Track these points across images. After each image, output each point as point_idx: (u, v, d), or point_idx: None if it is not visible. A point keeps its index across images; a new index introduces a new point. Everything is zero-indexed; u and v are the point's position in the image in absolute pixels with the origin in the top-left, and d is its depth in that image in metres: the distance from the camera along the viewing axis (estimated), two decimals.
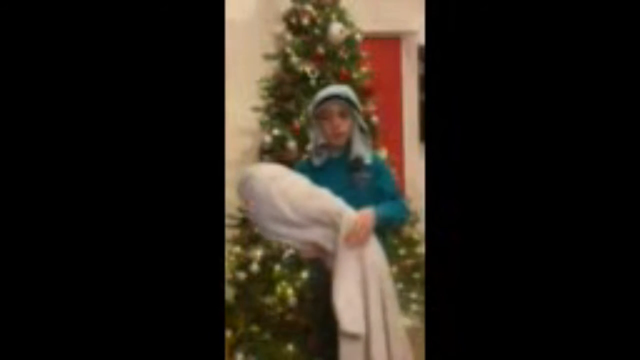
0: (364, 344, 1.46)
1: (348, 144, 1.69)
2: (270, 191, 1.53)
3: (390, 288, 1.54)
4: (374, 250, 1.54)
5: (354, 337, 1.44)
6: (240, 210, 2.55)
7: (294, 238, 1.55)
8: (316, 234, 1.53)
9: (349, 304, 1.44)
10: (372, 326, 1.46)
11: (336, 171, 1.66)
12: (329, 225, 1.51)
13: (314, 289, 1.68)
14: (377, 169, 1.69)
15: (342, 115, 1.65)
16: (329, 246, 1.52)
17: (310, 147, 1.74)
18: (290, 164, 2.03)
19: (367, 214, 1.53)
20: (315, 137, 1.70)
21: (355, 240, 1.49)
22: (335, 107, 1.64)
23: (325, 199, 1.55)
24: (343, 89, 1.69)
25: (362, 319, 1.45)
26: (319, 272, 1.59)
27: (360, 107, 1.72)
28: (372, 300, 1.47)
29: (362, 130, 1.69)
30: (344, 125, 1.65)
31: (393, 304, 1.53)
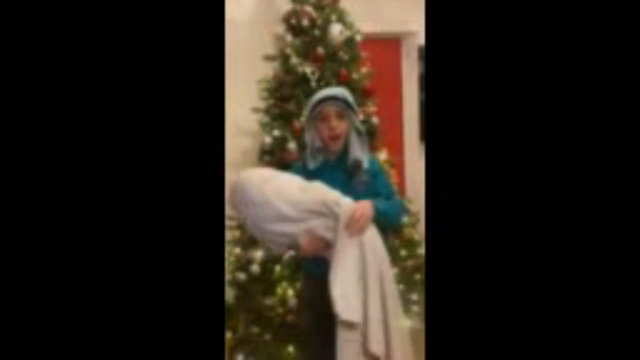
0: (362, 333, 1.45)
1: (345, 147, 1.68)
2: (265, 193, 1.53)
3: (390, 277, 1.54)
4: (373, 238, 1.54)
5: (350, 325, 1.44)
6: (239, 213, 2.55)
7: (295, 234, 1.54)
8: (316, 225, 1.53)
9: (345, 293, 1.44)
10: (371, 315, 1.45)
11: (332, 175, 1.65)
12: (328, 215, 1.52)
13: (314, 290, 1.67)
14: (374, 172, 1.69)
15: (339, 117, 1.64)
16: (329, 235, 1.52)
17: (306, 150, 1.73)
18: (290, 165, 2.03)
19: (366, 203, 1.54)
20: (311, 140, 1.69)
21: (356, 227, 1.49)
22: (332, 109, 1.64)
23: (320, 190, 1.56)
24: (340, 91, 1.68)
25: (360, 308, 1.45)
26: (321, 267, 1.58)
27: (358, 110, 1.71)
28: (371, 289, 1.47)
29: (359, 133, 1.68)
30: (340, 127, 1.65)
31: (393, 294, 1.53)
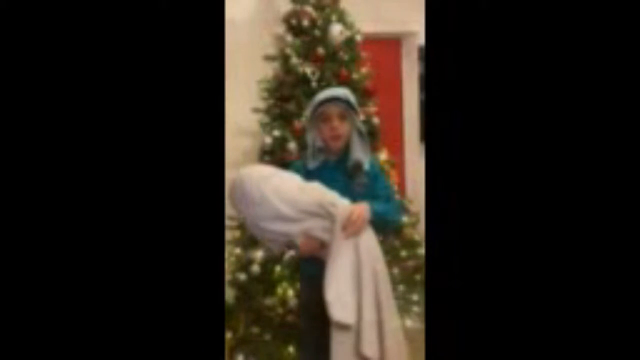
0: (356, 334, 1.45)
1: (345, 148, 1.68)
2: (264, 191, 1.53)
3: (385, 278, 1.54)
4: (368, 239, 1.54)
5: (344, 327, 1.44)
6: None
7: (292, 233, 1.54)
8: (312, 226, 1.53)
9: (339, 295, 1.44)
10: (364, 317, 1.45)
11: (331, 175, 1.65)
12: (325, 216, 1.52)
13: (310, 291, 1.67)
14: (374, 174, 1.69)
15: (341, 117, 1.64)
16: (325, 236, 1.52)
17: (307, 150, 1.73)
18: (290, 164, 2.03)
19: (363, 205, 1.55)
20: (312, 140, 1.69)
21: (352, 229, 1.50)
22: (334, 109, 1.64)
23: (318, 191, 1.56)
24: (342, 92, 1.68)
25: (354, 310, 1.45)
26: (317, 268, 1.58)
27: (360, 111, 1.71)
28: (365, 290, 1.47)
29: (360, 134, 1.68)
30: (342, 128, 1.64)
31: (388, 295, 1.53)
